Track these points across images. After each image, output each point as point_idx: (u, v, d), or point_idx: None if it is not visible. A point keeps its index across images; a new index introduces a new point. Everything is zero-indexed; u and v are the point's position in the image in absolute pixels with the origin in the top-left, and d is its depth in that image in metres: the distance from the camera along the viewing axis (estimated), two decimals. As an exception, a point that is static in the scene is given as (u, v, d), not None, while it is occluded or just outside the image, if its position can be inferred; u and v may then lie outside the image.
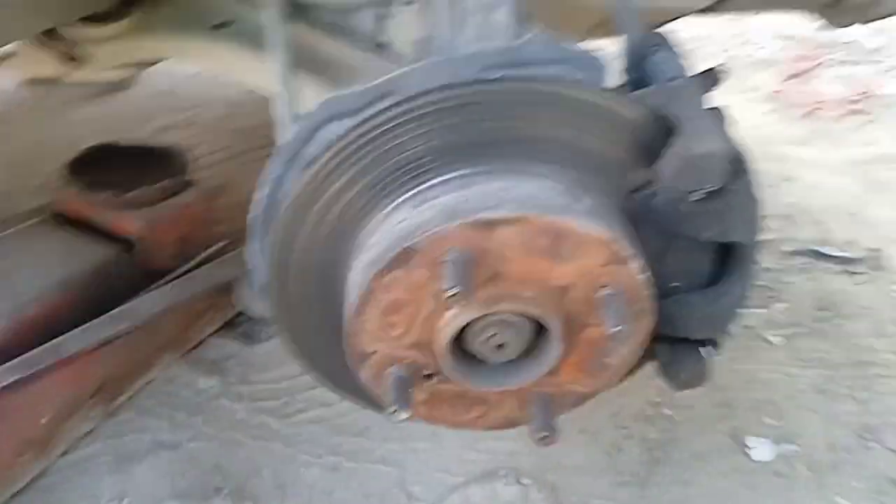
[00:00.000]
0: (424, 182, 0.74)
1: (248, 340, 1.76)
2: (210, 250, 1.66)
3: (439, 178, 0.74)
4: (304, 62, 1.30)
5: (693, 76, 0.86)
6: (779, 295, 1.99)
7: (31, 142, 2.46)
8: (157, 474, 1.47)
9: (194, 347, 1.72)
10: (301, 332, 0.86)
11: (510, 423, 0.85)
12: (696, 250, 0.79)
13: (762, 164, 0.87)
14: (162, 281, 1.54)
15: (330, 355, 0.85)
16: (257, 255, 0.84)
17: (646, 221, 0.76)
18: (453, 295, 0.67)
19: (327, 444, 1.54)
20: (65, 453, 1.46)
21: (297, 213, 0.76)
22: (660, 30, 0.86)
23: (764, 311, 1.94)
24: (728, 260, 0.79)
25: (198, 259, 1.62)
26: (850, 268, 2.02)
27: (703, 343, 0.83)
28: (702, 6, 1.25)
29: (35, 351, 1.30)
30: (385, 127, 0.71)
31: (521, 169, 0.73)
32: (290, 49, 1.22)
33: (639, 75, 0.83)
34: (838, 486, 1.50)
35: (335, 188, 0.75)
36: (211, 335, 1.75)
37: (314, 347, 0.88)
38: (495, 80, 0.70)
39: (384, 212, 0.75)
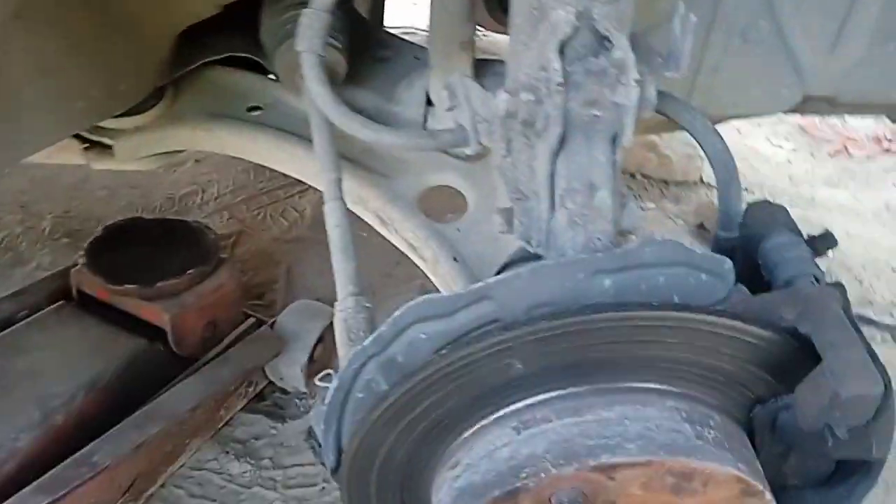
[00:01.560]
0: (527, 398, 0.67)
1: (277, 417, 1.69)
2: (239, 329, 1.59)
3: (544, 396, 0.67)
4: (342, 149, 1.22)
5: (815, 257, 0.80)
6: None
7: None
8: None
9: (223, 425, 1.65)
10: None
11: None
12: (819, 458, 0.72)
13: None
14: (192, 368, 1.47)
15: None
16: (327, 439, 0.77)
17: (770, 431, 0.70)
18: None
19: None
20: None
21: (389, 417, 0.70)
22: (775, 203, 0.80)
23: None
24: (851, 465, 0.73)
25: (227, 341, 1.56)
26: (897, 336, 1.96)
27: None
28: (779, 111, 1.18)
29: (66, 464, 1.22)
30: (489, 351, 0.64)
31: (636, 389, 0.66)
32: (333, 140, 1.13)
33: (751, 260, 0.77)
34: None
35: (431, 401, 0.68)
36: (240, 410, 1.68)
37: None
38: (608, 308, 0.63)
39: (479, 425, 0.69)
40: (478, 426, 0.69)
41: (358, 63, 1.33)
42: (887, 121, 2.99)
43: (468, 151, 1.08)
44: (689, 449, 0.63)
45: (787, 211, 0.79)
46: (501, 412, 0.68)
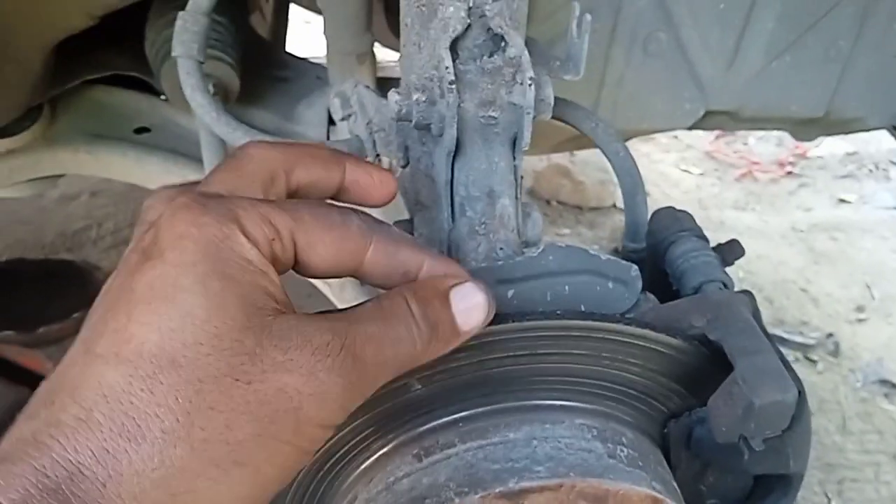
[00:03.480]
0: (429, 422, 0.62)
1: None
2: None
3: (447, 418, 0.61)
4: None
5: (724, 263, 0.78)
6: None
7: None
8: None
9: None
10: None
11: None
12: (736, 474, 0.69)
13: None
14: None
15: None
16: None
17: (686, 448, 0.66)
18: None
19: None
20: None
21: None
22: (680, 209, 0.77)
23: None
24: (770, 481, 0.70)
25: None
26: (808, 354, 2.00)
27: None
28: (683, 127, 1.18)
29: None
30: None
31: (544, 407, 0.62)
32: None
33: (659, 269, 0.74)
34: None
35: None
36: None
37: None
38: (509, 318, 0.58)
39: (378, 454, 0.63)
40: (377, 455, 0.63)
41: (256, 83, 1.27)
42: (789, 145, 3.11)
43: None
44: (602, 469, 0.58)
45: (692, 217, 0.77)
46: (401, 438, 0.62)
